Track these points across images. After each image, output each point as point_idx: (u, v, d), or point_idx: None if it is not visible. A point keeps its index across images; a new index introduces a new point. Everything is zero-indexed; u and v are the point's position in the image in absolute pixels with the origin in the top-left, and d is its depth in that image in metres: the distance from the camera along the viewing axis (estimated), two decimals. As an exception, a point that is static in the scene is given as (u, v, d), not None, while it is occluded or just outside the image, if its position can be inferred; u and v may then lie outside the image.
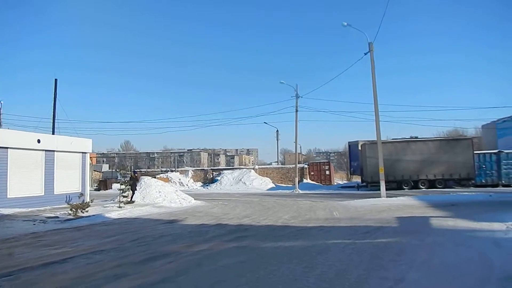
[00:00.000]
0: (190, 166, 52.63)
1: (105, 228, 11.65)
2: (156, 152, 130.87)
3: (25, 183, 16.21)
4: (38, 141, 16.95)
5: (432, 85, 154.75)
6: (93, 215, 14.27)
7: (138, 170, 44.28)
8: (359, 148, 31.15)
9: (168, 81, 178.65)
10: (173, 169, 42.24)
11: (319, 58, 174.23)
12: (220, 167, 45.01)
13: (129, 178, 20.86)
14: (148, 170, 44.92)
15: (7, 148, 15.43)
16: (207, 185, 37.47)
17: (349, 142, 34.67)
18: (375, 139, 21.49)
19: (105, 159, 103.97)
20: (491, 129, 37.27)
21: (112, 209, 16.46)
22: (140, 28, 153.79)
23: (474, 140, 32.19)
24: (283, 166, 41.33)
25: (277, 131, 44.55)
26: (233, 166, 77.81)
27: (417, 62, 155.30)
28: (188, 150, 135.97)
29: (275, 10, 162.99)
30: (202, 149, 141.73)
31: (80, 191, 19.30)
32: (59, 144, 18.26)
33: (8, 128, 22.70)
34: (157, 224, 12.50)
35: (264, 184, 35.07)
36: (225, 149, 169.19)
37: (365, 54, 20.74)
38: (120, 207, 16.83)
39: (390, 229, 10.11)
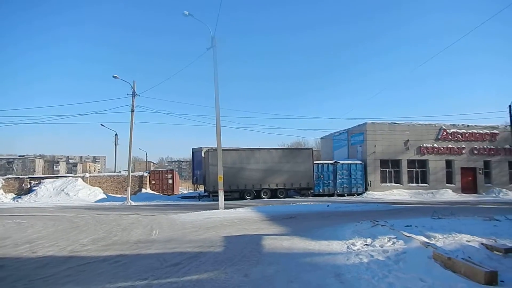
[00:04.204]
0: (23, 175, 43.54)
1: None
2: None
3: None
4: None
5: (281, 94, 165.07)
6: None
7: None
8: (203, 155, 28.93)
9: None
10: (-25, 177, 33.68)
11: (164, 58, 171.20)
12: (40, 175, 37.85)
13: None
14: None
15: None
16: (19, 197, 30.52)
17: (193, 148, 32.14)
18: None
19: None
20: (328, 140, 39.04)
21: None
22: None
23: (314, 151, 32.94)
24: (119, 174, 36.57)
25: (115, 134, 39.69)
26: (75, 174, 68.80)
27: (264, 68, 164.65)
28: (20, 156, 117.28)
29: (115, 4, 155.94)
30: (39, 155, 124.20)
31: None
32: None
33: None
34: None
35: (93, 194, 30.02)
36: (67, 156, 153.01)
37: (208, 49, 18.45)
38: None
39: (210, 256, 7.54)
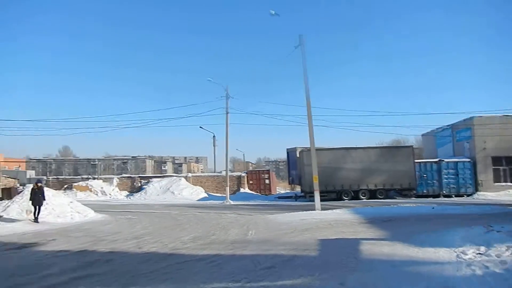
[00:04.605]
0: (135, 174, 48.27)
1: None
2: (98, 159, 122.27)
3: None
4: None
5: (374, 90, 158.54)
6: None
7: (55, 177, 39.33)
8: (298, 155, 28.82)
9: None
10: (95, 176, 37.85)
11: (251, 60, 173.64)
12: (148, 175, 41.14)
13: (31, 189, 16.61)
14: (66, 177, 39.94)
15: None
16: (131, 195, 33.53)
17: (287, 149, 32.19)
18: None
19: (41, 165, 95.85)
20: (430, 137, 36.30)
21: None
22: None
23: (415, 149, 30.88)
24: (219, 174, 38.20)
25: (213, 136, 41.38)
26: (180, 174, 73.59)
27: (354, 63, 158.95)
28: (132, 157, 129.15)
29: (201, 11, 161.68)
30: (148, 156, 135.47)
31: None
32: None
33: None
34: (-2, 251, 9.06)
35: (195, 193, 31.73)
36: (173, 157, 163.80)
37: (296, 47, 18.28)
38: (-15, 224, 13.11)
39: (305, 260, 7.35)
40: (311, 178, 19.80)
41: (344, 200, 26.04)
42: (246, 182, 36.25)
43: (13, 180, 38.61)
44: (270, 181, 37.09)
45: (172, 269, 6.86)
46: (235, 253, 8.26)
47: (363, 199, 26.16)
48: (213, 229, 12.60)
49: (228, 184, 28.08)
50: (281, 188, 53.96)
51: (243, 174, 36.93)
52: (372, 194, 26.55)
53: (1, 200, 21.34)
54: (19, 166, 53.11)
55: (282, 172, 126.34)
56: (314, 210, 17.71)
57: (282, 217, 15.66)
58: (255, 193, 35.14)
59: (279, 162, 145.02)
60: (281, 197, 32.27)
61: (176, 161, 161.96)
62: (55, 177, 39.78)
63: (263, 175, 37.22)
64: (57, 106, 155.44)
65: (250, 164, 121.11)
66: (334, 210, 17.54)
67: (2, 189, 30.57)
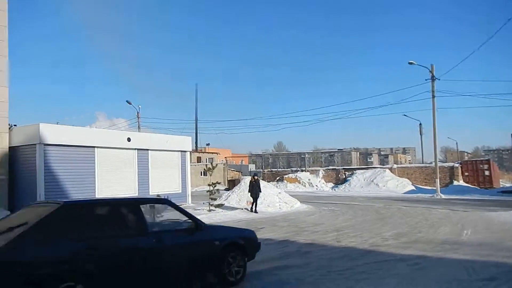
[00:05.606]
0: (341, 166, 49.94)
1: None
2: (307, 152, 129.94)
3: (116, 183, 15.74)
4: (128, 139, 16.39)
5: None
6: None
7: (269, 170, 43.48)
8: (527, 141, 24.07)
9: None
10: (303, 168, 40.00)
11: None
12: (353, 167, 41.06)
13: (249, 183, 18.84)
14: (278, 170, 43.90)
15: (94, 147, 15.08)
16: (336, 187, 34.10)
17: (512, 134, 27.26)
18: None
19: (260, 159, 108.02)
20: None
21: (200, 212, 15.00)
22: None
23: None
24: (427, 165, 35.08)
25: (420, 124, 38.45)
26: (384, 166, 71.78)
27: None
28: (338, 149, 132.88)
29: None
30: (354, 149, 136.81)
31: (179, 191, 18.40)
32: (153, 142, 17.54)
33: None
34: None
35: (401, 186, 29.98)
36: (379, 148, 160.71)
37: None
38: (209, 210, 15.27)
39: (539, 273, 5.87)
40: (548, 169, 16.19)
41: None
42: (460, 173, 32.38)
43: (237, 172, 44.73)
44: (490, 173, 32.21)
45: (369, 268, 6.44)
46: (444, 256, 7.24)
47: None
48: (419, 226, 11.57)
49: (438, 175, 25.54)
50: (505, 181, 46.57)
51: (457, 165, 33.06)
52: None
53: (228, 190, 24.68)
54: (242, 161, 60.67)
55: (507, 163, 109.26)
56: (553, 208, 14.45)
57: (507, 215, 13.29)
58: (471, 186, 31.05)
59: (502, 151, 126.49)
60: (506, 192, 27.58)
61: (382, 153, 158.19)
62: (269, 170, 44.28)
63: (481, 166, 32.56)
64: (267, 103, 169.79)
65: (465, 153, 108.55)
66: None
67: (229, 180, 35.57)
